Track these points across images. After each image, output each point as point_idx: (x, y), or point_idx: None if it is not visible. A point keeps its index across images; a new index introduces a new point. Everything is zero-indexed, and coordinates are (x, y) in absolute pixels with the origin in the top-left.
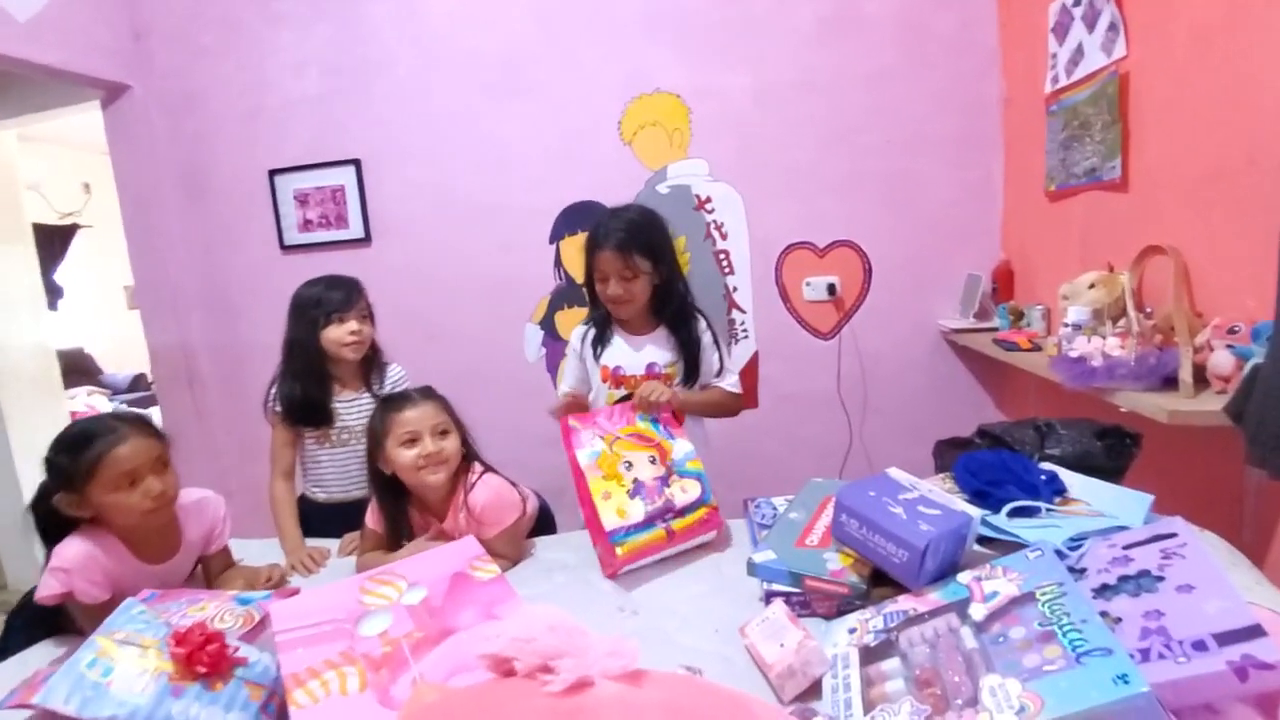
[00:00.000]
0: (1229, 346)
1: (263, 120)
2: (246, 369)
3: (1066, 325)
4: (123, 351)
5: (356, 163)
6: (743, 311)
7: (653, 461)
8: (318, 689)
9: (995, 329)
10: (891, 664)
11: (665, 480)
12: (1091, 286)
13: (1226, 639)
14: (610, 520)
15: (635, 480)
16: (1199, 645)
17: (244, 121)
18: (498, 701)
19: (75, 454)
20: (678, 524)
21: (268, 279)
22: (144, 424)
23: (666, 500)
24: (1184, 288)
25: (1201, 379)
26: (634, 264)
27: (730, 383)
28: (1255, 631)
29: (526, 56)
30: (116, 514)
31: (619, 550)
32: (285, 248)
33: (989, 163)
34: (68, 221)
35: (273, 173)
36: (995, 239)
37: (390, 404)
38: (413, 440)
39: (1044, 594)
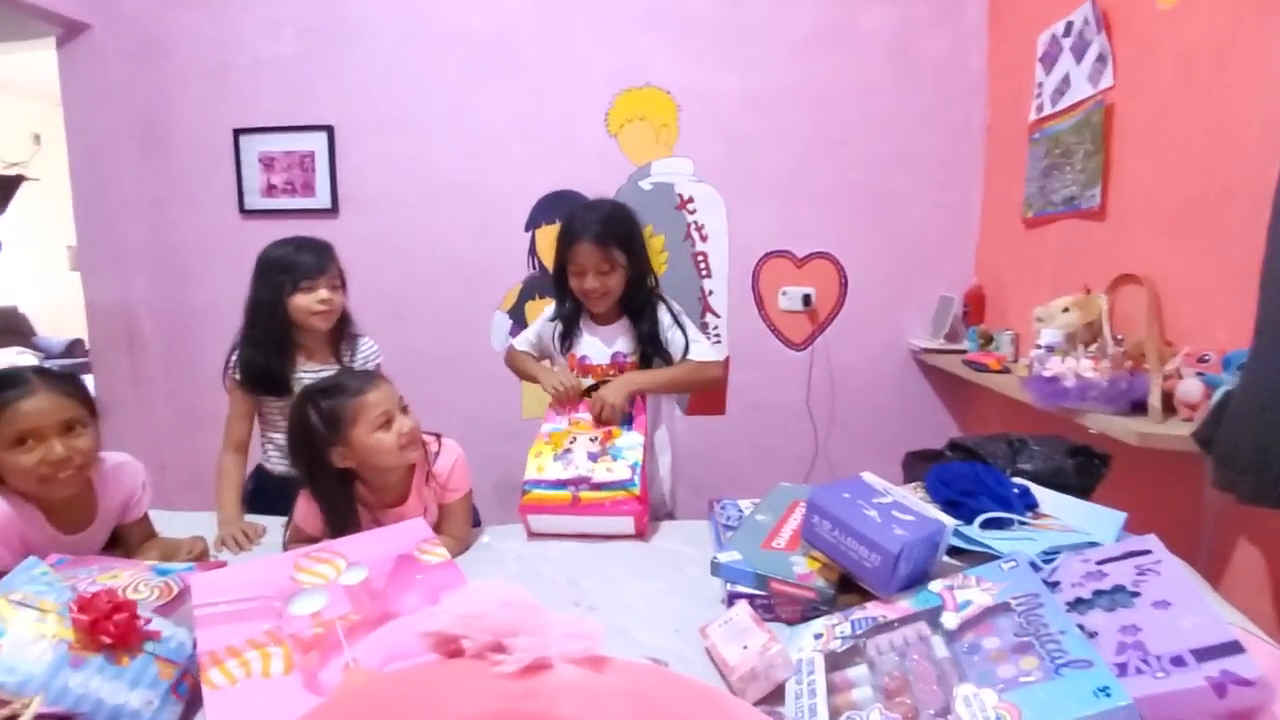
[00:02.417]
0: (1199, 374)
1: (230, 77)
2: (194, 336)
3: (1039, 347)
4: (61, 314)
5: (329, 129)
6: (717, 316)
7: (593, 440)
8: (236, 669)
9: (964, 351)
10: (859, 671)
11: (594, 457)
12: (1065, 310)
13: (1205, 655)
14: (529, 472)
15: (567, 449)
16: (1177, 661)
17: (210, 76)
18: (440, 682)
19: None
20: (587, 495)
21: (223, 242)
22: (63, 381)
23: (586, 472)
24: (1156, 315)
25: (1169, 406)
26: (612, 257)
27: (698, 352)
28: (1233, 648)
29: (516, 36)
30: (12, 477)
31: (525, 497)
32: (245, 211)
33: (968, 186)
34: (12, 172)
35: (238, 132)
36: (969, 262)
37: (344, 391)
38: (389, 421)
39: (1020, 604)
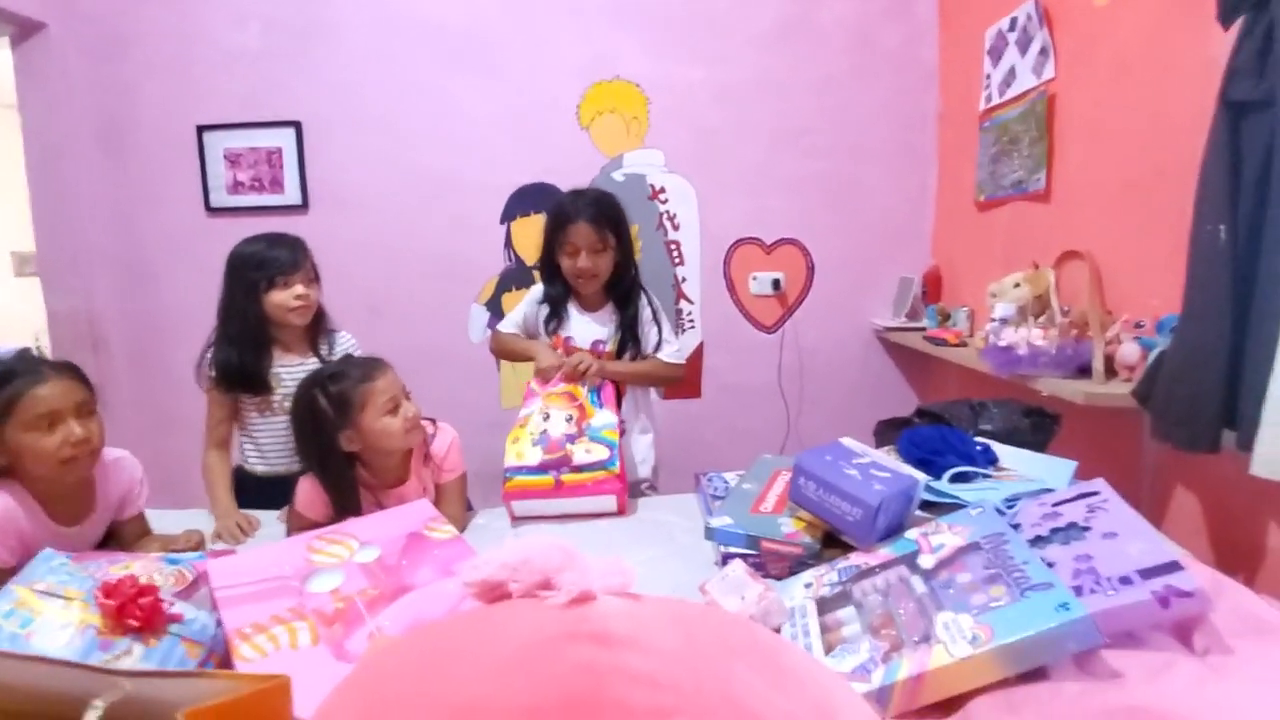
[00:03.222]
0: (1135, 339)
1: (193, 72)
2: (163, 337)
3: (994, 320)
4: (4, 323)
5: (297, 125)
6: (690, 302)
7: (569, 420)
8: (265, 643)
9: (924, 328)
10: (847, 612)
11: (572, 439)
12: (1016, 285)
13: (1150, 574)
14: (510, 459)
15: (543, 433)
16: (1125, 580)
17: (172, 72)
18: (495, 620)
19: None
20: (568, 477)
21: (190, 242)
22: (67, 367)
23: (565, 455)
24: (1097, 287)
25: (1110, 369)
26: (605, 237)
27: (668, 353)
28: (1174, 566)
29: (486, 31)
30: (33, 460)
31: (507, 484)
32: (211, 210)
33: (924, 173)
34: None
35: (201, 129)
36: (926, 244)
37: (352, 377)
38: (396, 407)
39: (988, 543)
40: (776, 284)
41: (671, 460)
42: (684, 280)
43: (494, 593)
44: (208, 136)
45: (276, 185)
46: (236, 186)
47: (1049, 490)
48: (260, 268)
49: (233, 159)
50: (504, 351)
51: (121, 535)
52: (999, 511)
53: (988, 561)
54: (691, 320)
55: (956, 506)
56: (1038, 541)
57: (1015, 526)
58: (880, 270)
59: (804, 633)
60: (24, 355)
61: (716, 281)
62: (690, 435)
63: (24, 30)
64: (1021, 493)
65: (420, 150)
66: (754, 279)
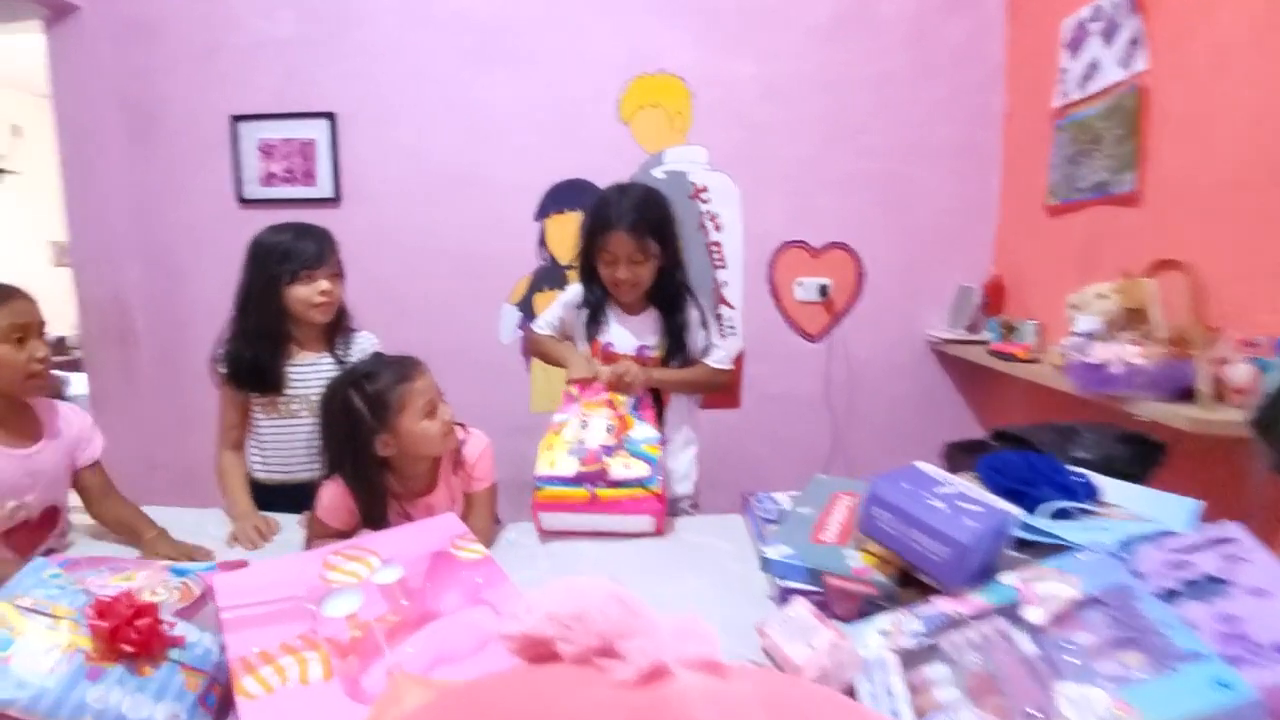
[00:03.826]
0: (1250, 359)
1: (225, 60)
2: (188, 330)
3: (1076, 334)
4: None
5: (331, 116)
6: (731, 308)
7: (608, 430)
8: (271, 676)
9: (985, 341)
10: (937, 670)
11: (610, 451)
12: (1101, 297)
13: None
14: (541, 467)
15: (580, 442)
16: None
17: (204, 59)
18: (547, 692)
19: None
20: (605, 492)
21: (221, 233)
22: (27, 294)
23: (602, 468)
24: (1197, 301)
25: (1216, 392)
26: (646, 247)
27: (716, 359)
28: None
29: (525, 23)
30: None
31: (537, 494)
32: (244, 201)
33: (987, 175)
34: None
35: (235, 119)
36: (988, 252)
37: (389, 377)
38: (433, 410)
39: (1111, 597)
40: (824, 290)
41: (709, 472)
42: (725, 284)
43: (537, 650)
44: (242, 127)
45: (309, 177)
46: (269, 178)
47: (1169, 533)
48: (285, 259)
49: (266, 150)
50: (538, 353)
51: (86, 487)
52: (1114, 557)
53: (1114, 621)
54: (732, 326)
55: (1055, 547)
56: (1168, 596)
57: (1137, 576)
58: (936, 278)
59: (886, 692)
60: None
61: (759, 286)
62: (728, 447)
63: (57, 13)
64: (1138, 535)
65: (453, 144)
66: (799, 284)
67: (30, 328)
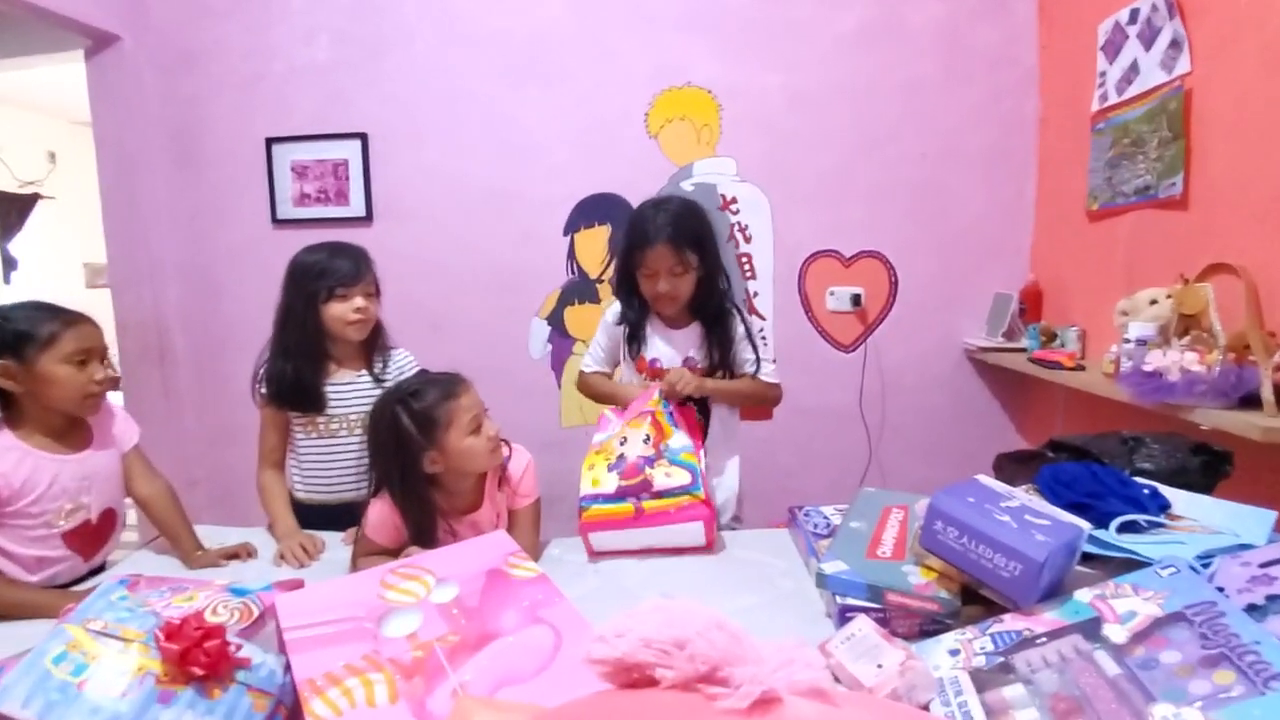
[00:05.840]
0: None
1: (265, 87)
2: (227, 349)
3: (1128, 341)
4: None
5: (363, 137)
6: (762, 319)
7: (645, 441)
8: (339, 699)
9: (1024, 349)
10: (1014, 691)
11: (651, 462)
12: (1153, 303)
13: None
14: (585, 488)
15: (620, 456)
16: None
17: (243, 86)
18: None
19: (35, 321)
20: (650, 504)
21: (257, 253)
22: (93, 320)
23: (645, 479)
24: (1255, 305)
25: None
26: (686, 259)
27: (766, 373)
28: None
29: (552, 40)
30: (60, 390)
31: (584, 515)
32: (278, 221)
33: (1021, 181)
34: (28, 190)
35: (270, 141)
36: (1024, 258)
37: (435, 394)
38: (479, 426)
39: (1196, 614)
40: (856, 299)
41: (742, 484)
42: (756, 295)
43: (629, 675)
44: (276, 149)
45: (342, 197)
46: (303, 199)
47: (1246, 546)
48: (320, 277)
49: (300, 171)
50: (591, 395)
51: (127, 466)
52: (1193, 571)
53: (1202, 638)
54: (764, 337)
55: (1126, 562)
56: (1253, 612)
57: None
58: (971, 285)
59: (963, 713)
60: (50, 305)
61: (790, 297)
62: (762, 460)
63: (99, 43)
64: (1216, 548)
65: (483, 161)
66: (831, 294)
67: (93, 351)
